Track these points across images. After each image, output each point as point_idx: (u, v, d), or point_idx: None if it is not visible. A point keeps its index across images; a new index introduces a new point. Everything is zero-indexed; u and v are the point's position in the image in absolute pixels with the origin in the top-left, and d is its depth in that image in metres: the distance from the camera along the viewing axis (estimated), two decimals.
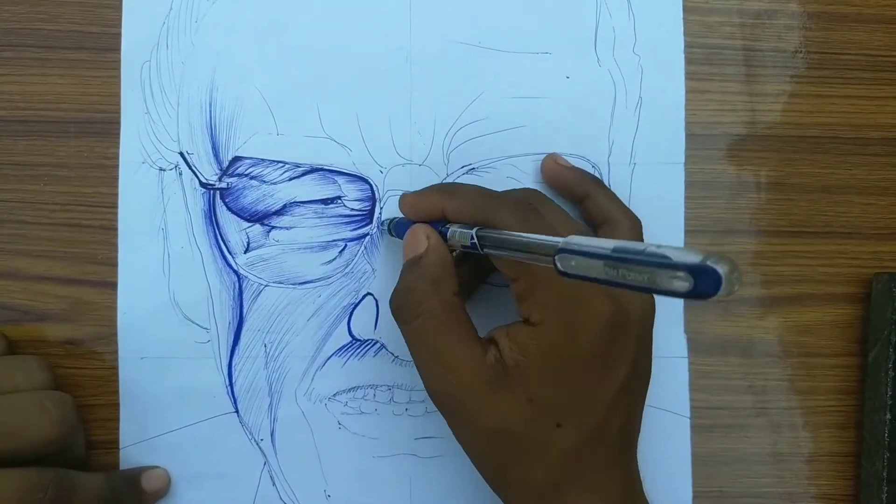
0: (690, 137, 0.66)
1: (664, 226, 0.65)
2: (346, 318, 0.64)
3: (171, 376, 0.63)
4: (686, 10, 0.66)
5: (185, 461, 0.63)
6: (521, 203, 0.54)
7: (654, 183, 0.65)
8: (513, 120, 0.65)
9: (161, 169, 0.64)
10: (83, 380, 0.63)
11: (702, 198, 0.66)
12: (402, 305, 0.54)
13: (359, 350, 0.64)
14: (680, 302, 0.64)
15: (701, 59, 0.66)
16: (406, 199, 0.58)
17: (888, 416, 0.62)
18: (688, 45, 0.66)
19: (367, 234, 0.63)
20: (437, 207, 0.55)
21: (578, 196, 0.62)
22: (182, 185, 0.64)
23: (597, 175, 0.64)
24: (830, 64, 0.66)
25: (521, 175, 0.65)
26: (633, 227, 0.60)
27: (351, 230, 0.64)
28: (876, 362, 0.64)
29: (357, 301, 0.64)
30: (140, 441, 0.63)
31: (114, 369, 0.63)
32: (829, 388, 0.66)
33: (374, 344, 0.64)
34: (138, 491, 0.60)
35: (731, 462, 0.65)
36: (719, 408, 0.65)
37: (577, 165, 0.64)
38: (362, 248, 0.63)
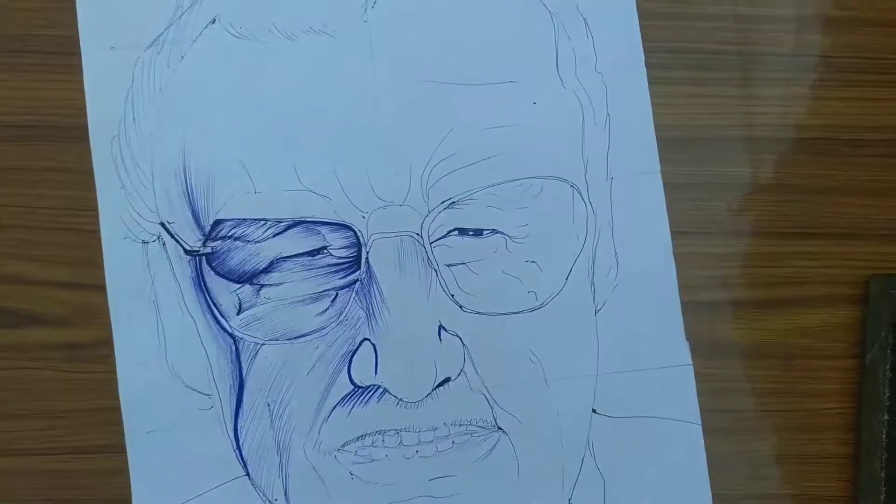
0: (689, 141, 0.66)
1: (649, 234, 0.65)
2: (346, 367, 0.63)
3: (179, 446, 0.63)
4: (683, 16, 0.66)
5: None
6: None
7: (633, 194, 0.65)
8: (486, 150, 0.64)
9: (144, 242, 0.63)
10: (85, 384, 0.63)
11: (702, 200, 0.66)
12: None
13: (362, 397, 0.63)
14: (677, 310, 0.65)
15: (697, 64, 0.66)
16: None
17: (885, 417, 0.63)
18: (684, 51, 0.66)
19: (357, 279, 0.63)
20: None
21: None
22: (167, 255, 0.63)
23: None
24: (827, 67, 0.66)
25: (501, 203, 0.64)
26: None
27: (340, 278, 0.63)
28: (873, 364, 0.64)
29: (354, 348, 0.63)
30: None
31: (114, 373, 0.63)
32: (829, 390, 0.65)
33: (377, 389, 0.63)
34: None
35: (730, 464, 0.65)
36: (720, 410, 0.65)
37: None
38: (353, 294, 0.63)
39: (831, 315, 0.66)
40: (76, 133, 0.63)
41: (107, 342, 0.63)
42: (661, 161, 0.65)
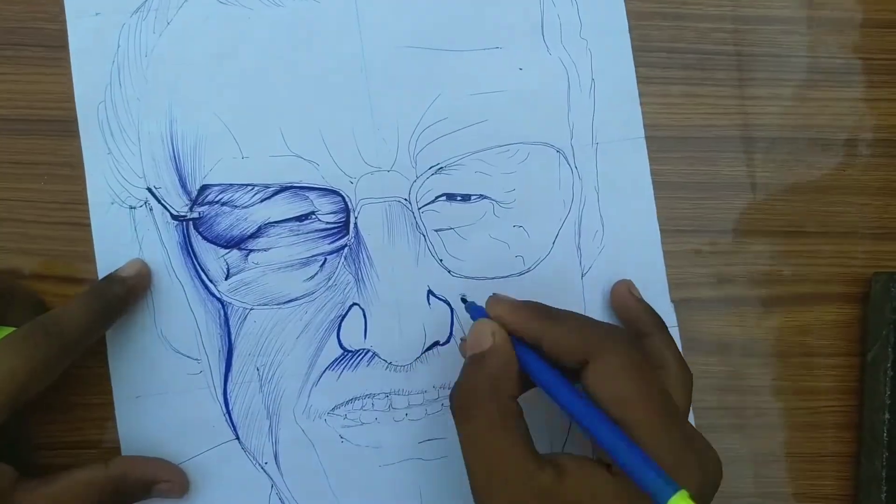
0: (686, 140, 0.67)
1: (634, 199, 0.67)
2: (335, 331, 0.63)
3: (168, 411, 0.63)
4: (680, 17, 0.67)
5: (193, 494, 0.63)
6: (633, 344, 0.52)
7: (618, 159, 0.66)
8: (473, 116, 0.65)
9: (131, 207, 0.63)
10: (80, 378, 0.63)
11: (699, 199, 0.67)
12: (460, 405, 0.52)
13: (351, 361, 0.64)
14: (662, 273, 0.66)
15: (694, 65, 0.67)
16: (497, 307, 0.54)
17: (887, 415, 0.62)
18: (681, 51, 0.67)
19: (346, 245, 0.63)
20: (534, 330, 0.52)
21: (639, 332, 0.61)
22: (154, 220, 0.63)
23: (652, 313, 0.63)
24: (825, 67, 0.67)
25: (489, 168, 0.65)
26: (684, 382, 0.57)
27: (328, 243, 0.63)
28: (875, 362, 0.64)
29: (344, 313, 0.63)
30: None
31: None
32: (828, 388, 0.66)
33: (367, 353, 0.64)
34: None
35: (730, 462, 0.64)
36: (719, 407, 0.66)
37: (643, 298, 0.64)
38: (342, 259, 0.63)
39: (832, 313, 0.67)
40: (74, 127, 0.63)
41: (101, 337, 0.62)
42: (659, 161, 0.66)
